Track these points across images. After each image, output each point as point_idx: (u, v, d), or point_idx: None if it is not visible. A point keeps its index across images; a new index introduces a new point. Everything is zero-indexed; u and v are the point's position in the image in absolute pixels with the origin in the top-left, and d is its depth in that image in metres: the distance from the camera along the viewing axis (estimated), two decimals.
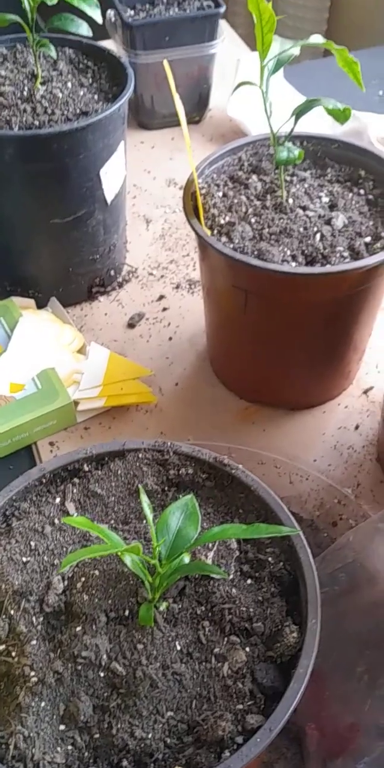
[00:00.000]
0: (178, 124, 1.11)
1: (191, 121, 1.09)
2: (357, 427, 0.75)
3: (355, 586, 0.55)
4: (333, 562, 0.57)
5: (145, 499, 0.40)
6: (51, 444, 0.74)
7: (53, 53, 0.70)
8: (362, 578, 0.55)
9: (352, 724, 0.51)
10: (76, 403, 0.75)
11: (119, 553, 0.40)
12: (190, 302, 0.88)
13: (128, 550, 0.37)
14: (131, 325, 0.85)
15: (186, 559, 0.44)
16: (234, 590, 0.45)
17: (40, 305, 0.84)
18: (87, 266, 0.83)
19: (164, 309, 0.87)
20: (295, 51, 0.62)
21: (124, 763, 0.40)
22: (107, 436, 0.75)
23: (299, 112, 0.64)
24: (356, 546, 0.56)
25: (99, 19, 0.67)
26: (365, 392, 0.77)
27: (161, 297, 0.89)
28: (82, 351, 0.80)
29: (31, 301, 0.83)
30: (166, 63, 0.60)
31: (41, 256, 0.80)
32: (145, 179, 1.03)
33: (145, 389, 0.77)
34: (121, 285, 0.90)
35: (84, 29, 0.69)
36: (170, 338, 0.85)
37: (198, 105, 1.08)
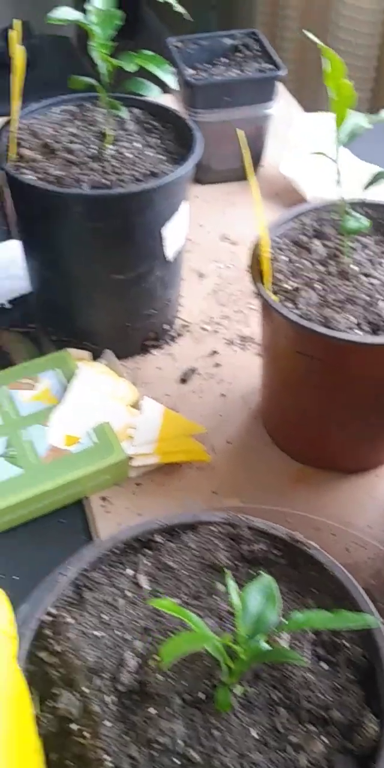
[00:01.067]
0: (232, 179, 1.13)
1: (245, 178, 1.10)
2: None
3: None
4: None
5: (232, 584, 0.40)
6: (103, 499, 0.74)
7: (125, 115, 0.71)
8: None
9: None
10: (129, 458, 0.74)
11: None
12: (243, 359, 0.88)
13: (221, 641, 0.36)
14: (184, 380, 0.85)
15: (264, 643, 0.43)
16: (310, 675, 0.44)
17: (95, 357, 0.84)
18: (143, 321, 0.83)
19: (216, 365, 0.87)
20: (367, 125, 0.62)
21: None
22: (159, 493, 0.75)
23: (369, 184, 0.64)
24: None
25: (173, 85, 0.68)
26: None
27: (214, 352, 0.89)
28: (135, 405, 0.80)
29: (87, 353, 0.83)
30: (241, 135, 0.60)
31: (100, 311, 0.80)
32: (199, 233, 1.04)
33: (199, 447, 0.77)
34: (173, 339, 0.90)
35: (156, 93, 0.70)
36: (223, 395, 0.84)
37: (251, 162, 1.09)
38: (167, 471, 0.76)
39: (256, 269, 0.68)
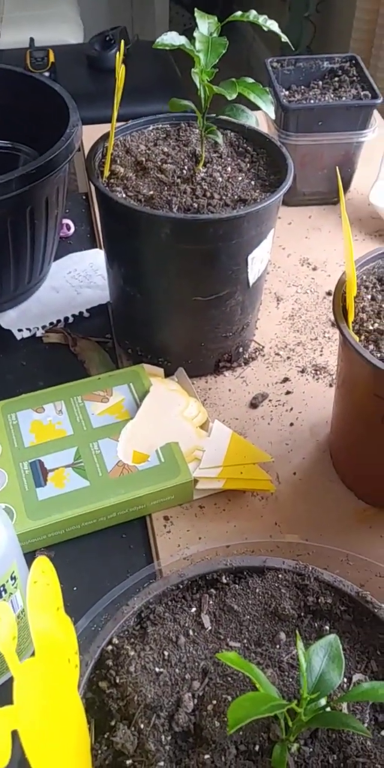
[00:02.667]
0: (317, 203, 1.11)
1: (329, 202, 1.09)
2: None
3: None
4: None
5: (301, 645, 0.39)
6: (165, 518, 0.74)
7: (220, 139, 0.71)
8: None
9: None
10: (195, 481, 0.74)
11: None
12: (314, 389, 0.87)
13: (285, 705, 0.36)
14: (254, 405, 0.85)
15: (324, 703, 0.42)
16: (369, 743, 0.43)
17: (167, 373, 0.84)
18: (218, 342, 0.83)
19: (288, 392, 0.86)
20: None
21: None
22: (221, 518, 0.74)
23: None
24: None
25: (272, 115, 0.67)
26: None
27: (285, 379, 0.88)
28: (204, 427, 0.80)
29: (160, 370, 0.84)
30: (336, 170, 0.59)
31: (178, 329, 0.80)
32: (280, 256, 1.03)
33: (265, 477, 0.76)
34: (247, 362, 0.89)
35: (253, 121, 0.69)
36: (291, 424, 0.83)
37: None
38: (231, 497, 0.76)
39: (339, 306, 0.67)
